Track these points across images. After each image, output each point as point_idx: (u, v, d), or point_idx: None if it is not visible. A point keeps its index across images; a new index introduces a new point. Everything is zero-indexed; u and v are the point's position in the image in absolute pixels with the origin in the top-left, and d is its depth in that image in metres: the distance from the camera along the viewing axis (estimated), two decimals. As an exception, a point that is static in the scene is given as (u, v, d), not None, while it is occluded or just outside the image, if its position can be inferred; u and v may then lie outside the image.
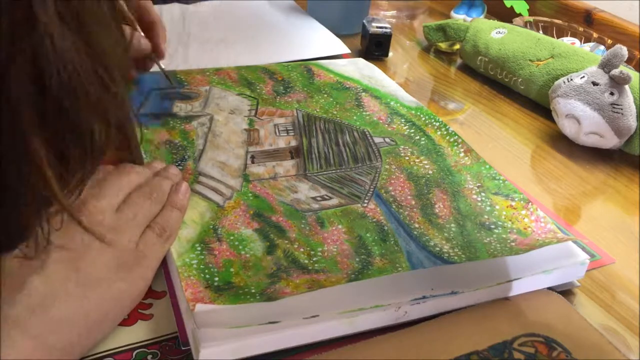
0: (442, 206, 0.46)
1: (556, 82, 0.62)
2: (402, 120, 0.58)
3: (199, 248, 0.40)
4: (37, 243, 0.29)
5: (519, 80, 0.70)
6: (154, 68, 0.60)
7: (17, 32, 0.22)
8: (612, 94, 0.57)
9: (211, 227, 0.42)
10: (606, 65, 0.58)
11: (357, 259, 0.40)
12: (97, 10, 0.25)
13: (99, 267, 0.34)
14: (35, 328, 0.30)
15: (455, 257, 0.41)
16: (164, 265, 0.41)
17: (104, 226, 0.35)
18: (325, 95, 0.61)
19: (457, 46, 0.82)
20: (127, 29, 0.52)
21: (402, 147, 0.54)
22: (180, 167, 0.48)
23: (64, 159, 0.27)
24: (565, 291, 0.43)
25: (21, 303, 0.31)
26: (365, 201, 0.46)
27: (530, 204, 0.46)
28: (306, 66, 0.67)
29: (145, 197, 0.39)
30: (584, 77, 0.59)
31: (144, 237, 0.38)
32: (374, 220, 0.44)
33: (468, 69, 0.79)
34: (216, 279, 0.37)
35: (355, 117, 0.58)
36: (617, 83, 0.57)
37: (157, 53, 0.54)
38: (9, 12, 0.22)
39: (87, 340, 0.33)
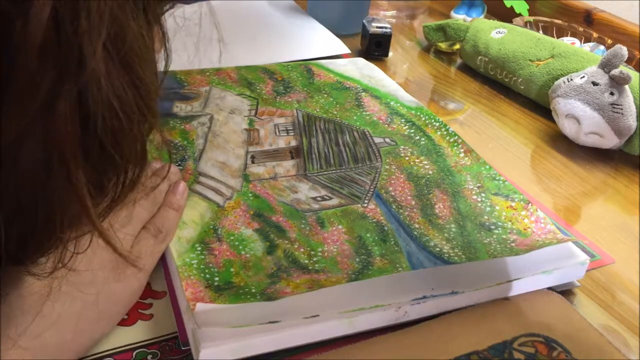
0: (442, 206, 0.46)
1: (556, 82, 0.62)
2: (402, 120, 0.58)
3: (199, 248, 0.40)
4: (54, 264, 0.29)
5: (519, 80, 0.70)
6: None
7: (65, 72, 0.22)
8: (612, 94, 0.57)
9: (211, 227, 0.42)
10: (606, 65, 0.58)
11: (357, 259, 0.40)
12: (142, 47, 0.25)
13: (94, 267, 0.34)
14: (29, 326, 0.30)
15: (456, 258, 0.41)
16: (164, 265, 0.41)
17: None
18: (325, 95, 0.61)
19: (457, 46, 0.82)
20: None
21: (402, 147, 0.54)
22: (180, 167, 0.48)
23: (102, 187, 0.27)
24: (565, 291, 0.43)
25: (14, 302, 0.31)
26: (366, 201, 0.46)
27: (530, 204, 0.46)
28: (306, 66, 0.67)
29: (141, 197, 0.39)
30: (584, 77, 0.59)
31: (140, 238, 0.38)
32: (374, 220, 0.44)
33: (468, 69, 0.79)
34: (216, 278, 0.37)
35: (355, 117, 0.58)
36: (617, 83, 0.57)
37: None
38: (57, 53, 0.22)
39: (83, 338, 0.33)
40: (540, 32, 0.80)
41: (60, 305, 0.32)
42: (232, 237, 0.41)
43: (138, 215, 0.38)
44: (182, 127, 0.53)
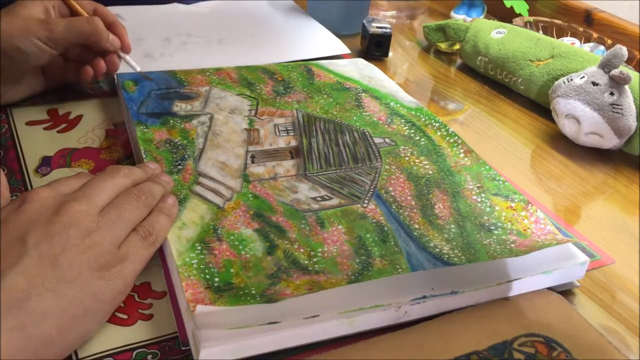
0: (442, 207, 0.46)
1: (556, 82, 0.62)
2: (402, 120, 0.58)
3: (199, 247, 0.40)
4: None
5: (519, 80, 0.70)
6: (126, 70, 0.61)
7: None
8: (612, 94, 0.57)
9: (211, 227, 0.42)
10: (606, 66, 0.58)
11: (357, 260, 0.40)
12: None
13: (77, 265, 0.34)
14: (13, 320, 0.31)
15: (455, 259, 0.41)
16: (164, 265, 0.41)
17: (82, 228, 0.35)
18: (325, 96, 0.61)
19: (457, 46, 0.82)
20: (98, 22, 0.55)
21: (402, 147, 0.54)
22: (180, 167, 0.48)
23: None
24: (565, 291, 0.43)
25: None
26: (365, 201, 0.46)
27: (530, 205, 0.46)
28: (306, 66, 0.67)
29: (132, 199, 0.39)
30: (584, 77, 0.59)
31: (128, 239, 0.38)
32: (374, 220, 0.44)
33: (468, 69, 0.79)
34: (216, 279, 0.37)
35: (355, 118, 0.58)
36: (617, 83, 0.57)
37: (124, 47, 0.60)
38: None
39: (68, 334, 0.33)
40: (540, 32, 0.80)
41: (44, 301, 0.32)
42: (232, 237, 0.41)
43: (128, 216, 0.38)
44: (182, 126, 0.53)
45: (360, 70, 0.68)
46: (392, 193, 0.48)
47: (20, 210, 0.35)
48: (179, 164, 0.48)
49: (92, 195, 0.38)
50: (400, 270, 0.39)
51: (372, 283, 0.38)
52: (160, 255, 0.41)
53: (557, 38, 0.78)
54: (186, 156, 0.49)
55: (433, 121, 0.58)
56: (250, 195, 0.46)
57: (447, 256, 0.41)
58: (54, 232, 0.34)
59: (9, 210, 0.36)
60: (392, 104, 0.61)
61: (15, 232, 0.34)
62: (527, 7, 0.86)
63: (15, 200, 0.37)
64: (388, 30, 0.77)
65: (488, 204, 0.47)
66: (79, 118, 0.59)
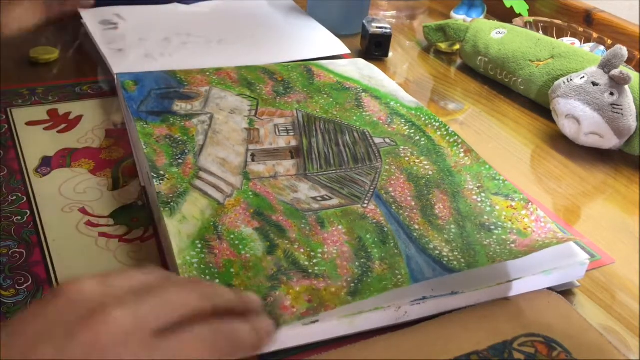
0: (442, 207, 0.46)
1: (556, 83, 0.62)
2: (402, 120, 0.58)
3: (199, 245, 0.40)
4: None
5: (519, 80, 0.70)
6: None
7: None
8: (612, 94, 0.57)
9: (212, 224, 0.42)
10: (606, 66, 0.58)
11: (356, 263, 0.40)
12: None
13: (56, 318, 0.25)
14: None
15: (455, 262, 0.41)
16: (164, 264, 0.41)
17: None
18: (325, 96, 0.61)
19: (457, 46, 0.82)
20: None
21: (402, 147, 0.54)
22: (180, 161, 0.48)
23: None
24: (565, 291, 0.43)
25: None
26: (365, 202, 0.46)
27: (530, 204, 0.46)
28: (306, 66, 0.67)
29: (198, 340, 0.27)
30: (583, 77, 0.59)
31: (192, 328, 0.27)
32: (374, 221, 0.44)
33: (468, 69, 0.79)
34: (217, 280, 0.37)
35: (355, 118, 0.58)
36: (617, 83, 0.57)
37: None
38: None
39: None
40: (540, 32, 0.80)
41: None
42: (232, 236, 0.41)
43: (188, 355, 0.26)
44: (182, 123, 0.53)
45: (360, 70, 0.68)
46: (392, 194, 0.47)
47: (44, 313, 0.25)
48: (179, 158, 0.48)
49: (146, 307, 0.26)
50: (399, 276, 0.39)
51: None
52: (160, 254, 0.41)
53: (557, 38, 0.78)
54: (186, 151, 0.49)
55: (433, 121, 0.58)
56: (250, 193, 0.46)
57: (446, 259, 0.41)
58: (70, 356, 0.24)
59: (38, 306, 0.26)
60: (392, 103, 0.61)
61: (21, 347, 0.24)
62: (527, 7, 0.86)
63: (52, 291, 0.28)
64: (388, 31, 0.77)
65: (488, 203, 0.47)
66: (79, 118, 0.59)
